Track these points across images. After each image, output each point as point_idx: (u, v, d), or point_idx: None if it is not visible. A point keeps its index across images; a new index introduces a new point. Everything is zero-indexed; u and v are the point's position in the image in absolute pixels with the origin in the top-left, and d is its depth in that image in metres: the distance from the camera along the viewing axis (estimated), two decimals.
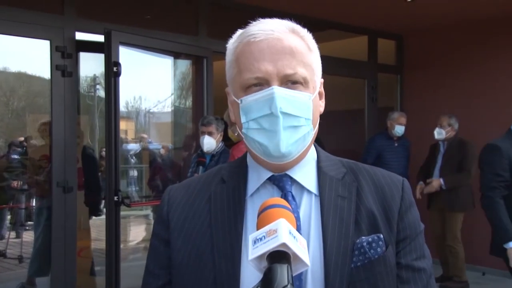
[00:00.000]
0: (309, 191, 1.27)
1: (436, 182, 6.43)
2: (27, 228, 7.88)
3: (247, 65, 1.22)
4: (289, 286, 0.92)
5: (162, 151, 7.04)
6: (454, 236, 6.53)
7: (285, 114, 1.17)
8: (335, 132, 7.65)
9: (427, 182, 6.54)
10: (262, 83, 1.20)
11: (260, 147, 1.22)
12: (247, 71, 1.22)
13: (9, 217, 7.92)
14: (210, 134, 5.04)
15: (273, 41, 1.20)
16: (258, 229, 1.02)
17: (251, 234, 1.02)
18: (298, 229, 1.20)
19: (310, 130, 1.22)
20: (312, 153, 1.32)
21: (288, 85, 1.19)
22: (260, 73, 1.19)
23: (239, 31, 1.28)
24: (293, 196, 1.24)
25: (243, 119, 1.22)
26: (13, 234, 7.69)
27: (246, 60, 1.22)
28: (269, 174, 1.27)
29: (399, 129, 6.70)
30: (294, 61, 1.20)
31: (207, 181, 1.34)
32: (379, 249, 1.21)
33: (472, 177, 6.34)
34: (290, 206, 1.19)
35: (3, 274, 6.78)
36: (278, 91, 1.17)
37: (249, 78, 1.21)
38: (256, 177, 1.29)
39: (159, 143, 7.26)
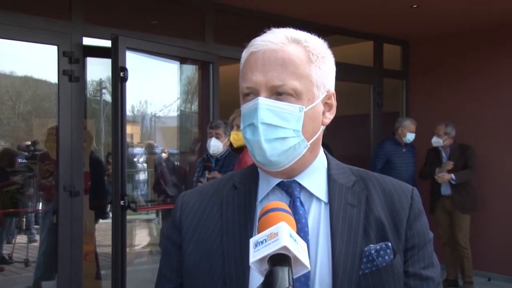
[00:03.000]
0: (318, 198, 1.28)
1: (448, 176, 6.53)
2: (33, 232, 7.92)
3: (244, 75, 1.26)
4: None
5: (167, 156, 7.06)
6: (465, 237, 6.65)
7: (267, 125, 1.20)
8: (341, 137, 7.64)
9: (436, 176, 6.64)
10: (254, 92, 1.23)
11: (251, 154, 1.26)
12: (243, 80, 1.26)
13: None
14: (217, 136, 5.03)
15: (268, 52, 1.23)
16: (259, 232, 1.04)
17: (252, 238, 1.04)
18: (306, 235, 1.21)
19: (300, 141, 1.23)
20: (322, 161, 1.33)
21: (276, 96, 1.21)
22: (251, 83, 1.23)
23: None
24: (301, 202, 1.26)
25: (241, 126, 1.26)
26: (19, 238, 7.73)
27: (244, 70, 1.26)
28: (278, 180, 1.28)
29: (410, 136, 6.82)
30: (285, 72, 1.21)
31: (220, 187, 1.37)
32: (387, 257, 1.21)
33: (475, 174, 6.63)
34: (299, 212, 1.23)
35: (9, 277, 6.81)
36: (262, 102, 1.20)
37: (243, 88, 1.25)
38: (266, 183, 1.31)
39: (164, 148, 7.28)
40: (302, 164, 1.27)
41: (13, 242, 7.53)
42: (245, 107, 1.24)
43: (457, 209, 6.59)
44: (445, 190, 6.68)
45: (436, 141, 6.71)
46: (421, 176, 6.95)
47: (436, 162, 6.78)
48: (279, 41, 1.23)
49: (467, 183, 6.61)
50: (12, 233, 7.59)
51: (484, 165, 6.93)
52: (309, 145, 1.25)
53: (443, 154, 6.77)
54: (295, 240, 1.00)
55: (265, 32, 1.29)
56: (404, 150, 6.87)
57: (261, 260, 0.99)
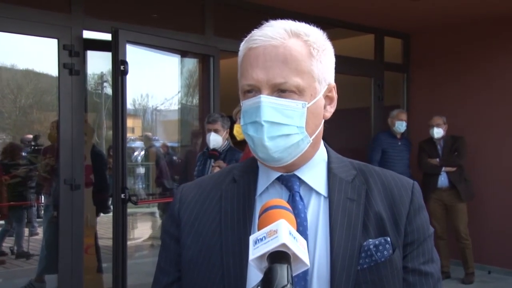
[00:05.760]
0: (317, 192, 1.27)
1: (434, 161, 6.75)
2: (35, 225, 7.94)
3: (244, 71, 1.24)
4: (288, 285, 0.93)
5: (166, 150, 7.06)
6: (466, 228, 6.71)
7: (271, 123, 1.18)
8: (341, 131, 7.63)
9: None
10: (255, 90, 1.21)
11: (253, 151, 1.24)
12: (243, 77, 1.24)
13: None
14: (216, 131, 5.04)
15: (269, 48, 1.20)
16: (259, 229, 1.03)
17: (251, 235, 1.04)
18: (305, 229, 1.21)
19: (304, 137, 1.22)
20: (322, 155, 1.32)
21: (278, 93, 1.19)
22: (252, 81, 1.21)
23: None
24: (301, 197, 1.25)
25: (241, 122, 1.25)
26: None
27: (244, 66, 1.24)
28: (278, 174, 1.27)
29: (399, 125, 6.85)
30: (287, 69, 1.19)
31: (219, 181, 1.35)
32: (385, 252, 1.21)
33: (464, 159, 6.71)
34: (298, 206, 1.22)
35: (11, 270, 6.83)
36: (265, 100, 1.18)
37: (243, 85, 1.23)
38: (266, 176, 1.30)
39: (165, 141, 7.28)
40: (304, 159, 1.26)
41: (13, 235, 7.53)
42: (246, 104, 1.22)
43: (463, 198, 6.60)
44: (443, 182, 6.69)
45: (438, 131, 6.74)
46: (423, 168, 6.91)
47: (434, 154, 6.80)
48: (279, 36, 1.21)
49: (463, 171, 6.68)
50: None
51: (483, 157, 6.94)
52: (311, 141, 1.24)
53: (438, 146, 6.82)
54: (294, 237, 0.99)
55: (263, 25, 1.26)
56: (399, 143, 6.90)
57: (260, 257, 0.99)
